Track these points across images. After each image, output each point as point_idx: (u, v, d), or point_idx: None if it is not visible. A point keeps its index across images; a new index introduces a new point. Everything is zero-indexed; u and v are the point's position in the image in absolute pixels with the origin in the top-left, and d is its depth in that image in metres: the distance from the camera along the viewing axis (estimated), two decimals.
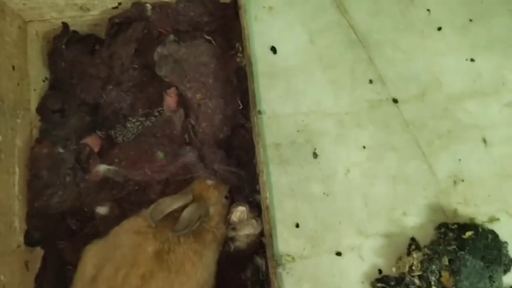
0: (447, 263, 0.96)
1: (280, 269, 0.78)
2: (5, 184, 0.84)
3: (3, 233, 0.81)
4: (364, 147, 1.11)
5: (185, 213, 0.82)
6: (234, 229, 0.97)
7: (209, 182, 0.92)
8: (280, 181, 1.05)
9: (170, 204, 0.83)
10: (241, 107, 0.99)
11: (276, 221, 0.96)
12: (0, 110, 0.84)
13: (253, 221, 0.95)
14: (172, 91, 1.02)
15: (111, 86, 1.02)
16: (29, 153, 0.92)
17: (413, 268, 0.98)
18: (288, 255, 0.99)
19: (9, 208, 0.84)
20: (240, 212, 0.91)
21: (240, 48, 0.97)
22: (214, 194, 0.91)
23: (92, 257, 0.79)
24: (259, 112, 0.83)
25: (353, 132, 1.12)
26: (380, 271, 1.04)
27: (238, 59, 0.97)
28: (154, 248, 0.80)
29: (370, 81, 1.14)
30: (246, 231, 0.96)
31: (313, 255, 1.07)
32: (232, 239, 0.96)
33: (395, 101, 1.13)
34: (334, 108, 1.14)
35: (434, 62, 1.17)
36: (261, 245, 0.97)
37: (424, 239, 1.04)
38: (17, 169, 0.88)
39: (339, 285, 1.05)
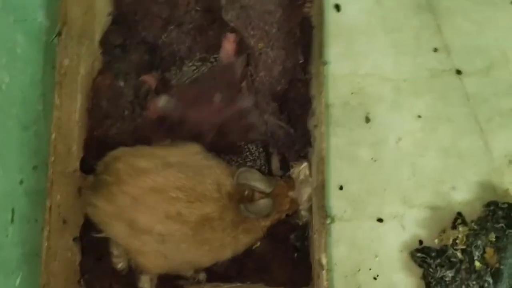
0: (493, 239, 0.95)
1: (328, 221, 0.79)
2: (67, 109, 0.86)
3: (62, 155, 0.84)
4: (419, 116, 1.08)
5: (263, 202, 0.83)
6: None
7: (291, 193, 0.91)
8: (327, 142, 1.04)
9: (257, 179, 0.84)
10: (301, 61, 0.96)
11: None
12: (68, 35, 0.85)
13: (310, 179, 0.94)
14: (231, 37, 1.00)
15: (172, 27, 1.01)
16: (90, 83, 0.94)
17: (457, 241, 0.97)
18: (328, 216, 0.99)
19: (69, 132, 0.86)
20: (303, 166, 0.89)
21: None
22: (286, 203, 0.90)
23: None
24: (325, 63, 0.82)
25: (409, 100, 1.09)
26: (420, 242, 1.04)
27: (305, 9, 0.94)
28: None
29: (435, 50, 1.10)
30: (306, 195, 0.93)
31: (354, 218, 1.07)
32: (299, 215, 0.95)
33: (458, 72, 1.09)
34: (392, 74, 1.10)
35: (505, 37, 1.11)
36: None
37: (470, 215, 1.02)
38: (79, 96, 0.90)
39: (377, 251, 1.05)
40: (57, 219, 0.82)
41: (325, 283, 0.76)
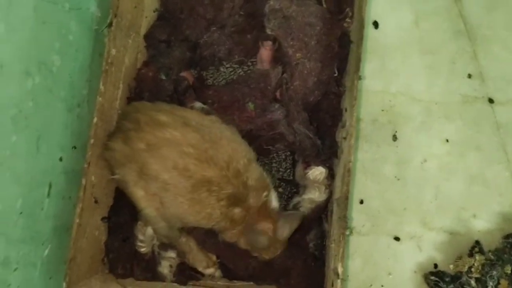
0: (509, 271, 0.94)
1: (347, 232, 0.80)
2: (110, 96, 0.91)
3: (101, 139, 0.88)
4: (447, 140, 1.08)
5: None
6: (301, 193, 0.99)
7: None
8: (354, 155, 1.06)
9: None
10: (335, 75, 0.99)
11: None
12: (118, 26, 0.90)
13: (322, 187, 0.97)
14: (268, 45, 1.03)
15: (214, 28, 1.05)
16: (133, 73, 0.99)
17: (473, 269, 0.97)
18: (347, 227, 1.01)
19: (110, 118, 0.91)
20: (319, 172, 0.92)
21: (350, 13, 0.96)
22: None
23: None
24: (360, 78, 0.84)
25: (439, 123, 1.09)
26: (435, 265, 1.04)
27: (345, 24, 0.97)
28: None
29: (469, 76, 1.10)
30: (311, 195, 0.97)
31: (371, 233, 1.08)
32: (296, 205, 0.99)
33: (490, 101, 1.09)
34: (424, 95, 1.11)
35: None
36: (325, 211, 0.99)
37: (488, 245, 1.02)
38: (121, 85, 0.95)
39: (391, 269, 1.06)
40: (89, 198, 0.87)
41: None
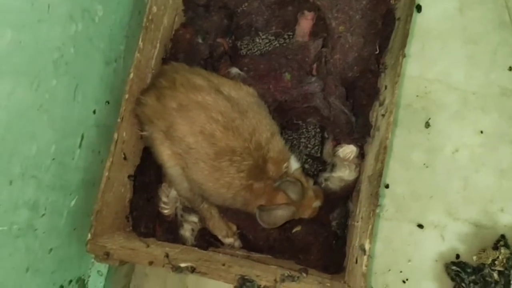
0: None
1: (378, 210, 0.79)
2: (147, 54, 0.90)
3: (136, 95, 0.87)
4: (481, 131, 1.06)
5: (280, 213, 0.85)
6: (330, 170, 0.98)
7: (316, 203, 0.92)
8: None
9: (294, 191, 0.85)
10: (377, 52, 0.97)
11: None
12: None
13: (353, 165, 0.95)
14: (310, 15, 1.01)
15: None
16: (171, 34, 0.98)
17: (496, 262, 0.95)
18: (378, 205, 0.99)
19: (144, 76, 0.90)
20: (350, 150, 0.91)
21: None
22: (307, 213, 0.92)
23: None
24: (405, 55, 0.82)
25: (474, 114, 1.07)
26: (457, 256, 1.02)
27: (392, 1, 0.94)
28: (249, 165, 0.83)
29: (510, 68, 1.07)
30: (341, 173, 0.96)
31: (394, 219, 1.07)
32: (326, 179, 0.97)
33: None
34: (462, 84, 1.09)
35: None
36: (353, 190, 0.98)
37: None
38: (158, 45, 0.94)
39: (411, 256, 1.04)
40: (119, 153, 0.86)
41: (364, 268, 0.76)
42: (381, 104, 0.87)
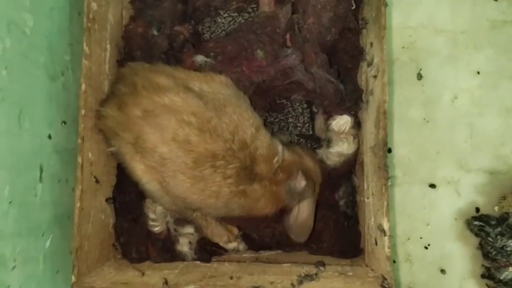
0: None
1: (390, 182, 0.71)
2: (97, 58, 0.78)
3: (93, 109, 0.76)
4: (478, 72, 0.98)
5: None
6: (326, 146, 0.89)
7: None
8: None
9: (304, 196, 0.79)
10: (353, 7, 0.87)
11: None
12: None
13: (350, 137, 0.86)
14: None
15: None
16: (120, 32, 0.86)
17: None
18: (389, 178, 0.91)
19: (99, 85, 0.79)
20: (344, 121, 0.82)
21: None
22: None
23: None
24: (387, 4, 0.72)
25: (467, 54, 0.99)
26: (477, 210, 0.96)
27: None
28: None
29: None
30: (338, 148, 0.88)
31: (403, 183, 0.99)
32: (323, 156, 0.89)
33: None
34: (448, 25, 1.00)
35: None
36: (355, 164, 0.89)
37: None
38: (108, 46, 0.82)
39: (428, 219, 0.97)
40: (89, 178, 0.75)
41: (387, 250, 0.68)
42: (369, 64, 0.78)
